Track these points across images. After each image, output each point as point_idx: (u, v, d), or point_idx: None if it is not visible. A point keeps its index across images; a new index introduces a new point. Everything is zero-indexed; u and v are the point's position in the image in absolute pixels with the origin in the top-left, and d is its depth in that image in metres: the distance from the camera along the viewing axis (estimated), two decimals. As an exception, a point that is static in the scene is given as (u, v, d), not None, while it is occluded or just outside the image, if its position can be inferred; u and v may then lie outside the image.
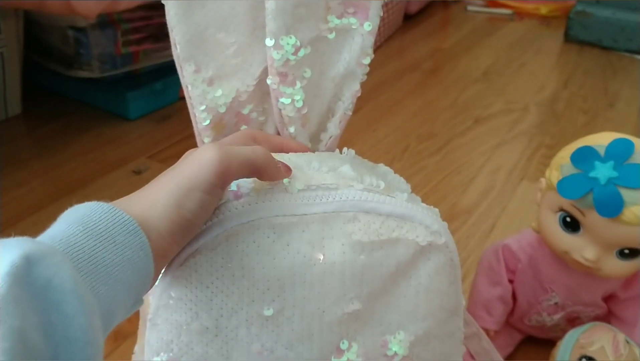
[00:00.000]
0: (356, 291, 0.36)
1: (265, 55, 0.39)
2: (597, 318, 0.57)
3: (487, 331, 0.58)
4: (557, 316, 0.58)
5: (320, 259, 0.35)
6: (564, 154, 0.51)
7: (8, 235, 0.82)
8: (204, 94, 0.40)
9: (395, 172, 0.42)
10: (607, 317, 0.58)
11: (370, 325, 0.37)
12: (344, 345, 0.37)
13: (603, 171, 0.47)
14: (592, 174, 0.47)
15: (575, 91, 1.27)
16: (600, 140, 0.49)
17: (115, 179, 0.89)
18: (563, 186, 0.49)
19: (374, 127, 1.09)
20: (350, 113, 0.42)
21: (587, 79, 1.33)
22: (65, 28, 1.00)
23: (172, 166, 0.34)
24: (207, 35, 0.40)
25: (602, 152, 0.48)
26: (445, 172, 0.96)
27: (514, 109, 1.18)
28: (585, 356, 0.51)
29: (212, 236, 0.34)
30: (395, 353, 0.37)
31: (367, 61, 0.41)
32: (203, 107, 0.40)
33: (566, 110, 1.19)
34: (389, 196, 0.37)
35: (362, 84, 0.41)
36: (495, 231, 0.82)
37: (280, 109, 0.40)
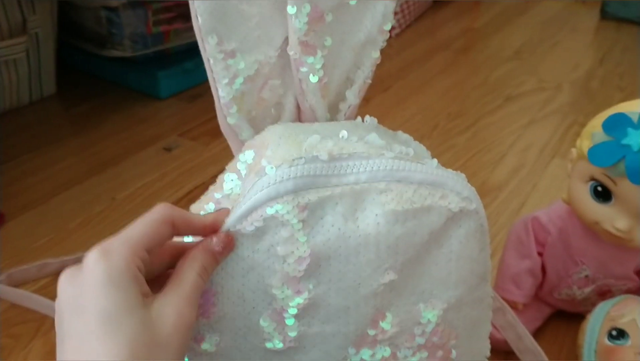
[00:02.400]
0: (391, 261, 0.35)
1: (286, 26, 0.39)
2: (628, 292, 0.56)
3: (515, 304, 0.58)
4: (587, 290, 0.57)
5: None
6: (596, 123, 0.50)
7: (45, 209, 0.84)
8: (227, 67, 0.39)
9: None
10: (639, 291, 0.57)
11: (404, 295, 0.37)
12: (379, 316, 0.36)
13: (636, 138, 0.46)
14: (624, 142, 0.46)
15: (611, 68, 1.23)
16: (634, 107, 0.48)
17: (147, 156, 0.91)
18: (594, 154, 0.48)
19: (403, 106, 1.08)
20: (369, 81, 0.41)
21: (625, 56, 1.29)
22: (98, 8, 1.02)
23: None
24: (230, 7, 0.39)
25: (635, 119, 0.46)
26: (474, 150, 0.95)
27: (547, 88, 1.16)
28: (615, 329, 0.50)
29: None
30: (429, 321, 0.37)
31: (389, 27, 0.39)
32: (226, 80, 0.39)
33: (601, 88, 1.16)
34: (419, 163, 0.37)
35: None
36: (525, 208, 0.81)
37: (300, 79, 0.39)
